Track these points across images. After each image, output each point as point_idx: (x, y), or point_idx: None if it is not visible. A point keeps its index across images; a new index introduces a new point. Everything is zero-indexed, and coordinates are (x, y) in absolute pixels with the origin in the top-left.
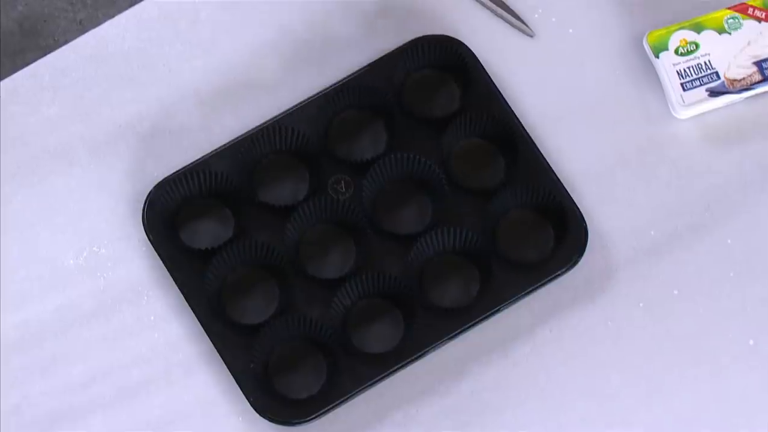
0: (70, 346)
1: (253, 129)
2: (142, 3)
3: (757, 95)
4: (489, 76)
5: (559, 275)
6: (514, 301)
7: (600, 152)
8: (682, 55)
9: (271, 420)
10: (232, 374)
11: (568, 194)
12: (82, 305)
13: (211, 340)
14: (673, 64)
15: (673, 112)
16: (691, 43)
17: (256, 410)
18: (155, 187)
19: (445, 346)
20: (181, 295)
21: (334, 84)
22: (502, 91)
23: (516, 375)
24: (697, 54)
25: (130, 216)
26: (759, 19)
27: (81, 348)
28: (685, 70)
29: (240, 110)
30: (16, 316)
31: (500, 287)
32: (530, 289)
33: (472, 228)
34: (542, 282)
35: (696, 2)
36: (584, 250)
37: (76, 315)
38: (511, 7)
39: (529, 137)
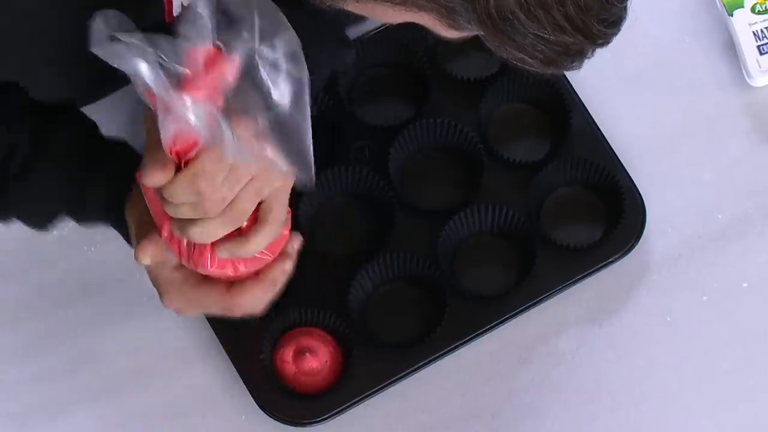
0: (51, 329)
1: None
2: None
3: None
4: None
5: (612, 262)
6: (560, 291)
7: (662, 122)
8: (759, 13)
9: (279, 420)
10: (235, 366)
11: (625, 170)
12: (65, 282)
13: (212, 327)
14: (749, 24)
15: (747, 78)
16: None
17: (261, 408)
18: None
19: (479, 339)
20: None
21: (359, 37)
22: None
23: (559, 375)
24: None
25: None
26: None
27: (64, 332)
28: (762, 31)
29: None
30: None
31: (544, 274)
32: (578, 277)
33: (513, 206)
34: (592, 270)
35: None
36: (642, 235)
37: (59, 293)
38: None
39: (582, 103)
